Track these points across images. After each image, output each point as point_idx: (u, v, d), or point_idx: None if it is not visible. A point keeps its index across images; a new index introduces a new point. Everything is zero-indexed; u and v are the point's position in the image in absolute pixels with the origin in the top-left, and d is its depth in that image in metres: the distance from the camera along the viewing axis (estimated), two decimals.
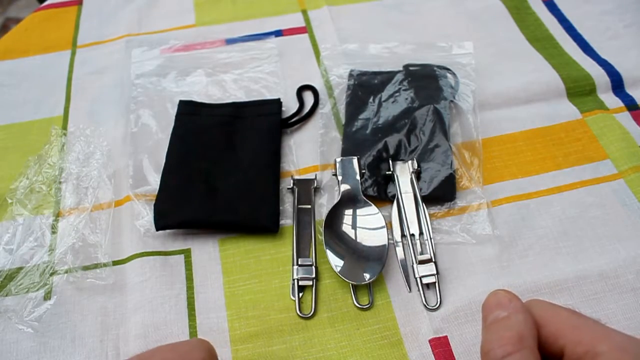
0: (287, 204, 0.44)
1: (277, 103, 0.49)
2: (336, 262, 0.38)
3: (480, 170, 0.45)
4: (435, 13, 0.59)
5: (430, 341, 0.36)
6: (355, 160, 0.43)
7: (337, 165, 0.43)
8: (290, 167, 0.46)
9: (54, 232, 0.42)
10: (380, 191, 0.43)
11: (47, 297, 0.39)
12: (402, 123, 0.46)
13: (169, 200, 0.43)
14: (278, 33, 0.57)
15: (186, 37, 0.57)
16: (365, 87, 0.50)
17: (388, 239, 0.40)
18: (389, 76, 0.50)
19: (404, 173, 0.44)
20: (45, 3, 0.64)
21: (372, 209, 0.41)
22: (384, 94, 0.49)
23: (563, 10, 0.58)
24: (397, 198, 0.42)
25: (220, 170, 0.44)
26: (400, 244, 0.41)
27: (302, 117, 0.49)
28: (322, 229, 0.41)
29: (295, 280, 0.39)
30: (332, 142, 0.47)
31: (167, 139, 0.47)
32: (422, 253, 0.40)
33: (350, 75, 0.51)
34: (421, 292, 0.38)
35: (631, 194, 0.43)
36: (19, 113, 0.52)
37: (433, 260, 0.39)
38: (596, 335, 0.23)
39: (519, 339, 0.23)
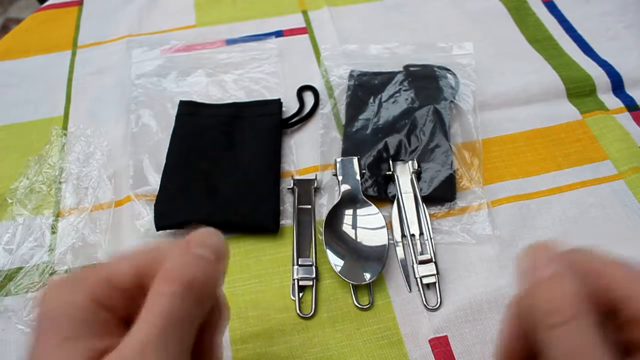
0: (288, 204, 0.44)
1: (278, 103, 0.49)
2: (336, 262, 0.38)
3: (481, 170, 0.45)
4: (435, 14, 0.59)
5: (430, 341, 0.36)
6: (355, 161, 0.43)
7: (338, 165, 0.43)
8: (291, 167, 0.46)
9: (53, 232, 0.42)
10: (380, 191, 0.43)
11: None
12: (403, 123, 0.46)
13: (169, 200, 0.43)
14: (278, 33, 0.57)
15: (187, 38, 0.57)
16: (365, 87, 0.50)
17: (388, 239, 0.40)
18: (389, 77, 0.50)
19: (404, 173, 0.44)
20: (46, 3, 0.64)
21: (373, 209, 0.41)
22: (384, 95, 0.49)
23: (563, 11, 0.58)
24: (398, 198, 0.42)
25: (221, 171, 0.44)
26: (401, 244, 0.41)
27: (302, 118, 0.49)
28: (322, 229, 0.41)
29: (296, 280, 0.39)
30: (332, 142, 0.47)
31: (168, 139, 0.47)
32: (422, 253, 0.40)
33: (351, 76, 0.51)
34: (421, 292, 0.38)
35: (631, 195, 0.43)
36: (20, 113, 0.52)
37: (433, 260, 0.39)
38: None
39: (577, 302, 0.20)
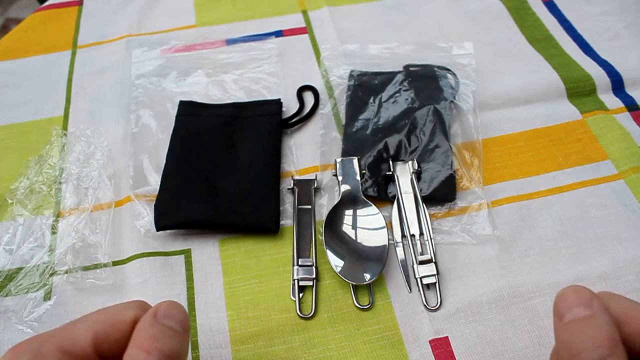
0: (288, 204, 0.44)
1: (278, 103, 0.49)
2: (336, 263, 0.38)
3: (481, 170, 0.45)
4: (435, 13, 0.59)
5: (430, 342, 0.36)
6: (355, 161, 0.43)
7: (338, 165, 0.43)
8: (291, 167, 0.46)
9: (54, 233, 0.42)
10: (380, 191, 0.43)
11: (46, 297, 0.39)
12: (403, 123, 0.46)
13: (169, 200, 0.43)
14: (278, 33, 0.57)
15: (186, 38, 0.57)
16: (365, 87, 0.50)
17: (388, 239, 0.40)
18: (389, 77, 0.50)
19: (404, 173, 0.44)
20: (46, 3, 0.64)
21: (373, 209, 0.41)
22: (384, 95, 0.49)
23: (563, 11, 0.58)
24: (398, 198, 0.42)
25: (221, 171, 0.44)
26: (401, 244, 0.41)
27: (302, 118, 0.49)
28: (322, 229, 0.41)
29: (296, 281, 0.39)
30: (332, 142, 0.47)
31: (168, 139, 0.47)
32: (422, 253, 0.40)
33: (351, 76, 0.51)
34: (421, 292, 0.38)
35: (631, 195, 0.43)
36: (20, 113, 0.52)
37: (433, 260, 0.39)
38: None
39: (613, 342, 0.21)
